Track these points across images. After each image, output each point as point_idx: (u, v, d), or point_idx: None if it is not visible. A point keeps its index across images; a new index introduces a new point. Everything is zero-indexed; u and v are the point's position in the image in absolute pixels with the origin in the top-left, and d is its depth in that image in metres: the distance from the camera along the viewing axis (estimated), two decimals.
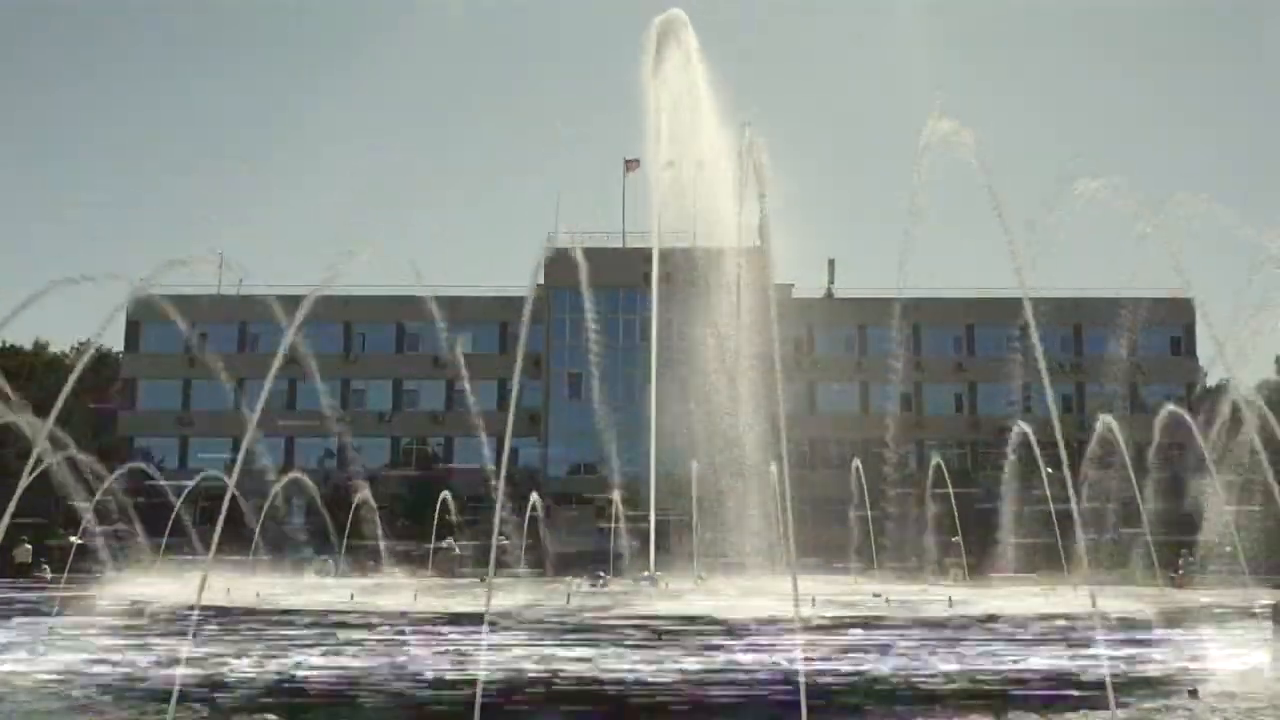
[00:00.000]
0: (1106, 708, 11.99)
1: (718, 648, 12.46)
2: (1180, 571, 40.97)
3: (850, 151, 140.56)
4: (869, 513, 32.26)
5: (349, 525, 38.25)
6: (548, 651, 12.50)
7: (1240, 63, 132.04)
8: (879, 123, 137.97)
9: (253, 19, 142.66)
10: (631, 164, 66.53)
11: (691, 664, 12.31)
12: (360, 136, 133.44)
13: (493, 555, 13.63)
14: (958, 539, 30.50)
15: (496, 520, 13.45)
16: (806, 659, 11.25)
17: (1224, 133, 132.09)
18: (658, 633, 12.66)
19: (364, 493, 31.67)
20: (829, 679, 12.19)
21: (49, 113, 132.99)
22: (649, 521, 23.56)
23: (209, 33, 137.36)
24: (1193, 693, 15.98)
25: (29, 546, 39.25)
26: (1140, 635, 14.67)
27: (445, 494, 33.38)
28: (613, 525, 30.30)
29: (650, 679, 12.12)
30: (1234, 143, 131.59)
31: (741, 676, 12.18)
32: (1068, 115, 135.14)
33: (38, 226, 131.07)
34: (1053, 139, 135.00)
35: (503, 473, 24.25)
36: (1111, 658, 13.12)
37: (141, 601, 16.90)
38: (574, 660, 12.45)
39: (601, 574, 25.82)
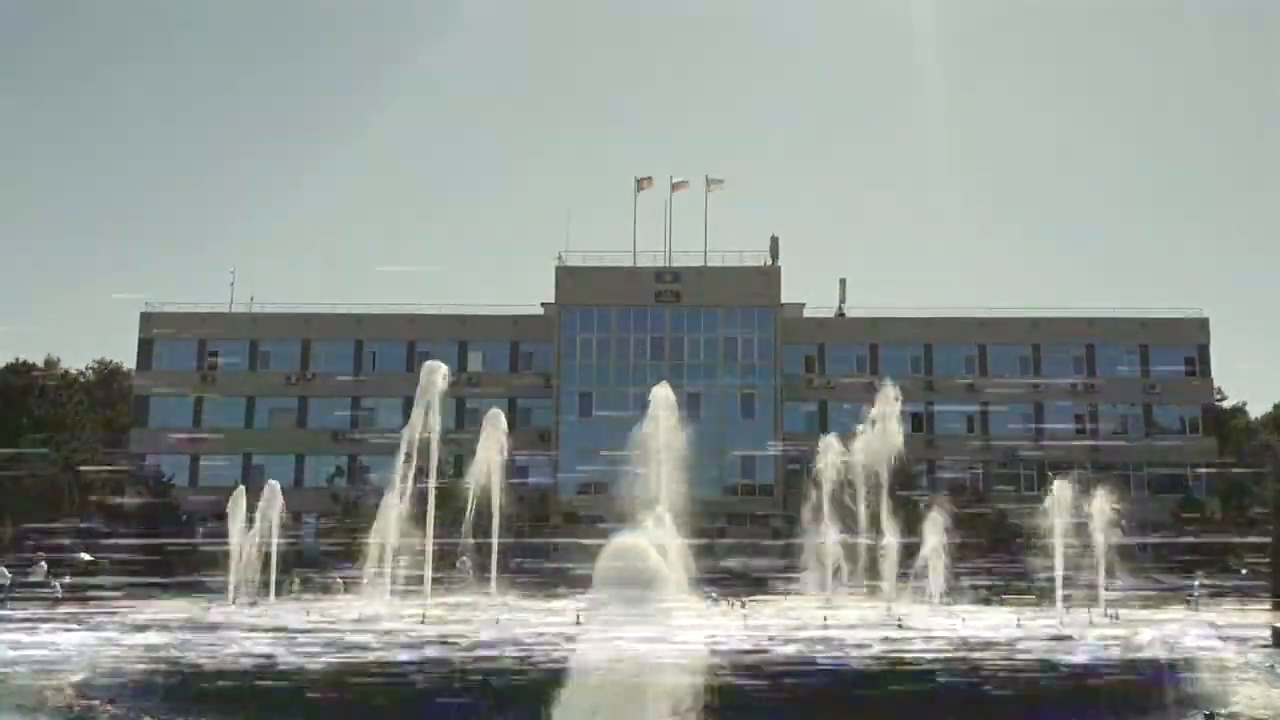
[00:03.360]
0: None
1: None
2: (1193, 595, 40.71)
3: (863, 171, 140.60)
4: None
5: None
6: None
7: (1250, 61, 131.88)
8: (891, 142, 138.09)
9: (270, 31, 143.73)
10: (644, 182, 66.64)
11: None
12: (371, 153, 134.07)
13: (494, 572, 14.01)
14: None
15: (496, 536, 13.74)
16: None
17: (1236, 131, 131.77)
18: None
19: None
20: None
21: (57, 122, 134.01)
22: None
23: (223, 43, 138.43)
24: (1209, 716, 15.80)
25: (44, 564, 39.36)
26: None
27: None
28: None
29: None
30: (1245, 141, 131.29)
31: None
32: (1073, 117, 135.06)
33: (48, 238, 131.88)
34: (1060, 141, 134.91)
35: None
36: None
37: None
38: None
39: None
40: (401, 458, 25.78)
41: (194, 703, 15.37)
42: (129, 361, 74.82)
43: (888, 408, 29.63)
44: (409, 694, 14.47)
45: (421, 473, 26.09)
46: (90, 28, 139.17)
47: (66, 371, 78.93)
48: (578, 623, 16.07)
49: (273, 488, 29.12)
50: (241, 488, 30.10)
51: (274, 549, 28.71)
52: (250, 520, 28.63)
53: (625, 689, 9.08)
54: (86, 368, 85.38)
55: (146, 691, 16.37)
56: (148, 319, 68.50)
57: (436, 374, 26.53)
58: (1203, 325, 67.52)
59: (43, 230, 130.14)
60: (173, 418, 66.78)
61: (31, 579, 37.96)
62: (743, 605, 23.47)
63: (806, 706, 14.55)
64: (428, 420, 25.90)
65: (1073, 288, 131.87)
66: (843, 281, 72.11)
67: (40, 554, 40.38)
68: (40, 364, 74.39)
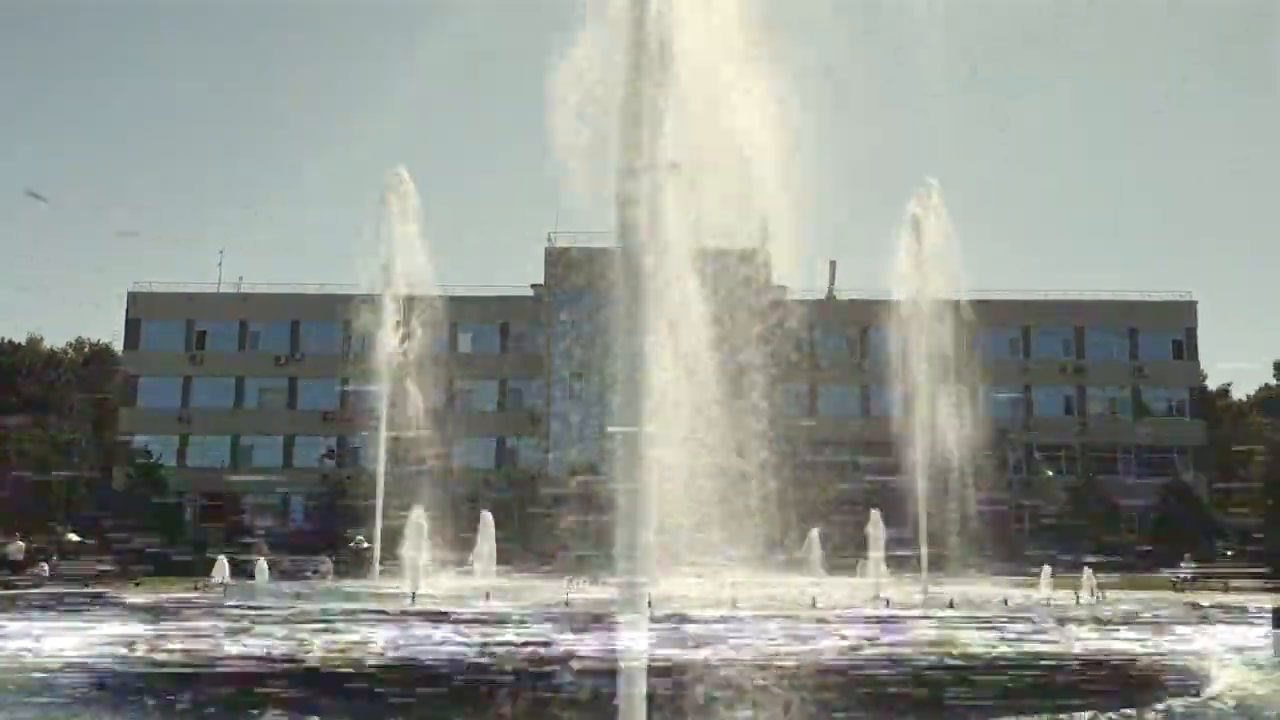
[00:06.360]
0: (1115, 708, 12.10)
1: None
2: (1180, 575, 41.01)
3: (855, 152, 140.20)
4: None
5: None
6: None
7: (1250, 64, 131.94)
8: (881, 124, 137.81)
9: (259, 13, 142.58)
10: None
11: None
12: (360, 133, 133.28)
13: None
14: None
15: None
16: None
17: (1234, 133, 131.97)
18: None
19: None
20: None
21: (45, 104, 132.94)
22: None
23: (211, 26, 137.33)
24: (1195, 694, 15.90)
25: (22, 544, 39.04)
26: None
27: None
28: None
29: None
30: (1245, 143, 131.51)
31: None
32: (1063, 101, 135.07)
33: (32, 219, 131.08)
34: (1058, 139, 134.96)
35: None
36: None
37: None
38: None
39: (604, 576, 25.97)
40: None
41: None
42: (115, 341, 74.64)
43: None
44: None
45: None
46: (79, 6, 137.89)
47: (53, 351, 78.67)
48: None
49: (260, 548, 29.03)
50: (224, 559, 29.47)
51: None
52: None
53: None
54: (67, 345, 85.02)
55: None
56: (135, 299, 68.26)
57: None
58: (1190, 308, 67.88)
59: (26, 208, 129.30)
60: (161, 398, 66.60)
61: (11, 559, 37.63)
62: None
63: None
64: None
65: (1061, 271, 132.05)
66: (832, 264, 72.15)
67: (18, 534, 40.08)
68: (23, 343, 74.13)
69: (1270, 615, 21.63)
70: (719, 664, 12.83)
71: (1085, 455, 64.92)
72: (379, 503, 29.45)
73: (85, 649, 15.96)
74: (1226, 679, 17.13)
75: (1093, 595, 23.19)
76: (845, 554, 30.81)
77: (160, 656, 14.80)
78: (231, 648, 14.14)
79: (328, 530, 48.82)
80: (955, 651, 14.06)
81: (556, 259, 65.87)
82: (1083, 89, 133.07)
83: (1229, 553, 47.32)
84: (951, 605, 19.00)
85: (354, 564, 34.11)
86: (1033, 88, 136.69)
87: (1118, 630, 16.95)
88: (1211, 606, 22.33)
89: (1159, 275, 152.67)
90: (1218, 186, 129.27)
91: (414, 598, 18.39)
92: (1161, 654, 16.45)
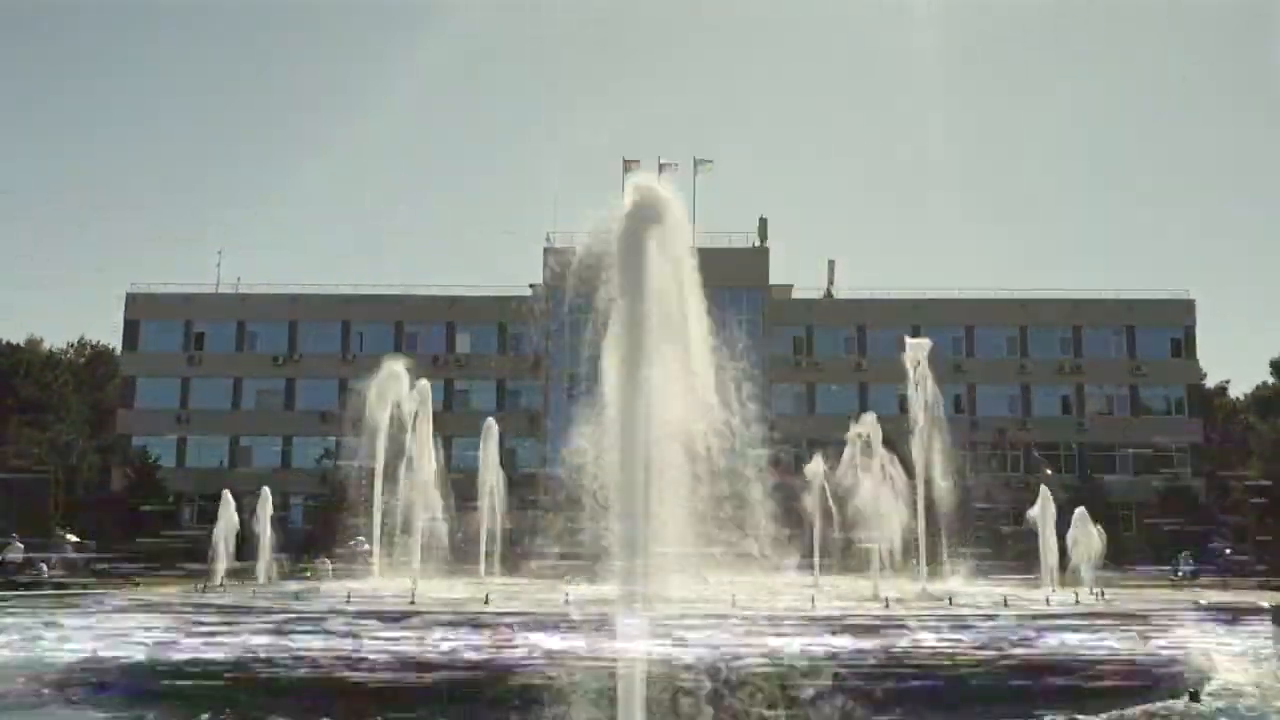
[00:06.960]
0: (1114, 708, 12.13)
1: None
2: (1179, 574, 41.03)
3: (852, 153, 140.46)
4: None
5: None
6: None
7: (1250, 64, 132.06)
8: (881, 123, 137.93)
9: (257, 14, 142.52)
10: (632, 163, 66.45)
11: None
12: (359, 133, 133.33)
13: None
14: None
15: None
16: None
17: (1233, 132, 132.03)
18: None
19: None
20: None
21: (45, 104, 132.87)
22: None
23: (211, 26, 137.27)
24: (1193, 695, 15.89)
25: (20, 545, 38.91)
26: None
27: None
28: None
29: None
30: (1243, 143, 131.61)
31: None
32: (1061, 100, 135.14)
33: (30, 220, 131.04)
34: (1057, 139, 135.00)
35: None
36: None
37: None
38: None
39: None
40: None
41: None
42: (114, 341, 74.62)
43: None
44: None
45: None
46: (79, 6, 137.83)
47: (51, 352, 78.58)
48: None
49: (264, 494, 29.11)
50: (228, 493, 29.89)
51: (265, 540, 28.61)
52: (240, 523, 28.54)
53: None
54: (68, 345, 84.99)
55: None
56: (134, 300, 68.25)
57: None
58: (1188, 306, 67.94)
59: (24, 208, 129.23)
60: (160, 399, 66.60)
61: (7, 558, 37.47)
62: None
63: None
64: None
65: (1059, 270, 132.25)
66: (831, 263, 72.21)
67: (13, 536, 39.87)
68: (22, 344, 74.04)
69: (1269, 613, 21.66)
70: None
71: (1083, 454, 64.96)
72: (377, 504, 29.40)
73: None
74: (1226, 678, 17.14)
75: (1092, 594, 23.20)
76: (847, 554, 30.72)
77: None
78: None
79: (326, 531, 48.74)
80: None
81: (554, 259, 65.86)
82: (1083, 89, 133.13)
83: (1227, 551, 47.32)
84: (950, 603, 19.01)
85: (353, 565, 34.04)
86: (1033, 88, 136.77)
87: (1116, 629, 16.96)
88: (1210, 605, 22.31)
89: (1157, 274, 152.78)
90: (1217, 186, 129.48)
91: (414, 598, 18.36)
92: (1160, 653, 16.45)
